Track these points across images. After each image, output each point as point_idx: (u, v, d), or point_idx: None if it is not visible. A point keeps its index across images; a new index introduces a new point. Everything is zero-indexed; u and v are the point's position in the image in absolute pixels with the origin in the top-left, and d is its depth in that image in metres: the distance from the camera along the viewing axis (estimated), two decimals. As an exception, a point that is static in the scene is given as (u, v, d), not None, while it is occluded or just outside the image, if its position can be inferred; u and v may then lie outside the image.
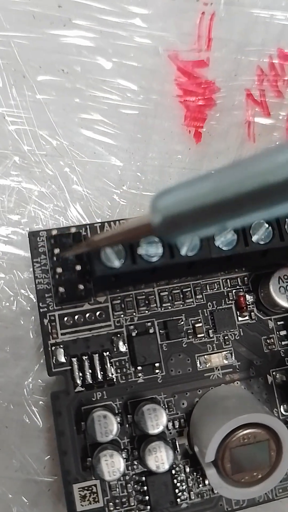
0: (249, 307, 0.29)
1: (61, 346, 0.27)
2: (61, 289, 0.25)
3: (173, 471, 0.27)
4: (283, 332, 0.29)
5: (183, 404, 0.28)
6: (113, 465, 0.24)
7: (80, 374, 0.26)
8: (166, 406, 0.27)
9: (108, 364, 0.27)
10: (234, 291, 0.29)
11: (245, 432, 0.25)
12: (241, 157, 0.17)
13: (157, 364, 0.27)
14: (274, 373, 0.29)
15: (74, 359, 0.27)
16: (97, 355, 0.27)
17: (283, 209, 0.16)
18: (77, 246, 0.26)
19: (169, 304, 0.28)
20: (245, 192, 0.17)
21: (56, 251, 0.25)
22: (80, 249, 0.26)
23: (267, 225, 0.26)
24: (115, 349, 0.27)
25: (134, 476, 0.27)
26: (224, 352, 0.28)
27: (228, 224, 0.18)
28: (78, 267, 0.25)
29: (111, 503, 0.26)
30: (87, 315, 0.27)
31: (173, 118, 0.32)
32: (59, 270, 0.25)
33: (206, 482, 0.27)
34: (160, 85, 0.32)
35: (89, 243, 0.25)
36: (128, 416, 0.27)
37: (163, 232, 0.19)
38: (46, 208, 0.30)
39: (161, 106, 0.32)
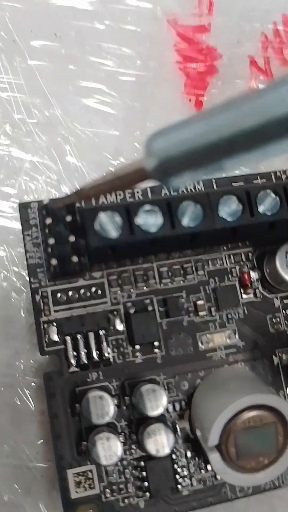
0: (254, 284, 0.27)
1: (54, 323, 0.25)
2: (54, 262, 0.24)
3: (174, 456, 0.25)
4: (289, 310, 0.27)
5: (184, 385, 0.26)
6: (109, 448, 0.23)
7: (75, 353, 0.25)
8: (166, 388, 0.26)
9: (104, 343, 0.25)
10: (237, 267, 0.27)
11: (250, 414, 0.23)
12: (237, 94, 0.16)
13: (156, 344, 0.26)
14: (280, 353, 0.27)
15: (68, 338, 0.25)
16: (92, 333, 0.25)
17: (282, 146, 0.16)
18: (67, 197, 0.24)
19: (168, 280, 0.26)
20: (245, 129, 0.16)
21: (48, 221, 0.24)
22: (71, 199, 0.24)
23: (274, 195, 0.24)
24: (111, 328, 0.26)
25: (132, 461, 0.25)
26: (227, 332, 0.27)
27: (226, 164, 0.17)
28: (72, 238, 0.24)
29: (107, 490, 0.25)
30: (82, 291, 0.26)
31: (173, 85, 0.31)
32: (51, 241, 0.24)
33: (209, 467, 0.26)
34: (158, 51, 0.31)
35: (79, 193, 0.23)
36: (126, 398, 0.25)
37: (158, 176, 0.18)
38: (38, 180, 0.29)
39: (160, 73, 0.31)
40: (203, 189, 0.27)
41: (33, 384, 0.27)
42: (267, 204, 0.24)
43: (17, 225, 0.27)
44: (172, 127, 0.18)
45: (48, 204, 0.24)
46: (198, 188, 0.27)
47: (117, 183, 0.20)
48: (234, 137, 0.16)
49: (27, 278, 0.27)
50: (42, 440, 0.27)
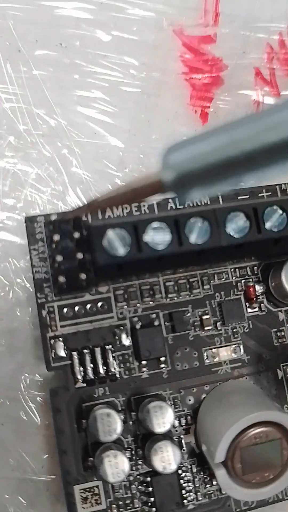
0: (259, 298, 0.27)
1: (61, 339, 0.25)
2: (62, 279, 0.24)
3: (180, 471, 0.25)
4: (294, 325, 0.28)
5: (189, 400, 0.26)
6: (117, 466, 0.23)
7: (81, 369, 0.25)
8: (172, 403, 0.26)
9: (111, 358, 0.25)
10: (243, 281, 0.27)
11: (257, 431, 0.23)
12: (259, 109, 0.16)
13: (162, 359, 0.26)
14: (284, 367, 0.27)
15: (74, 353, 0.25)
16: (99, 348, 0.25)
17: None
18: (78, 209, 0.24)
19: (175, 294, 0.26)
20: (265, 143, 0.16)
21: (56, 237, 0.24)
22: (81, 211, 0.24)
23: (281, 212, 0.24)
24: (118, 343, 0.26)
25: (138, 476, 0.25)
26: (233, 346, 0.27)
27: (245, 178, 0.17)
28: (80, 255, 0.24)
29: (114, 505, 0.25)
30: (88, 306, 0.25)
31: (178, 97, 0.30)
32: (59, 258, 0.24)
33: (214, 482, 0.26)
34: (164, 61, 0.30)
35: (91, 205, 0.23)
36: (132, 413, 0.25)
37: (176, 189, 0.18)
38: (43, 192, 0.28)
39: (165, 84, 0.30)
40: (209, 203, 0.27)
41: (38, 398, 0.27)
42: (274, 221, 0.24)
43: (22, 238, 0.27)
44: (191, 140, 0.17)
45: (57, 219, 0.24)
46: (204, 202, 0.27)
47: (131, 196, 0.20)
48: (254, 152, 0.16)
49: (32, 290, 0.27)
50: (47, 454, 0.27)
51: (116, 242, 0.23)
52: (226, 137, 0.17)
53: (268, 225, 0.24)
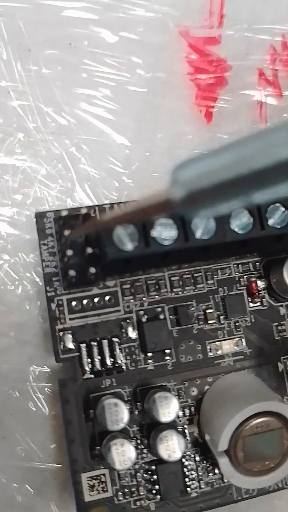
0: (261, 293, 0.28)
1: (69, 331, 0.26)
2: (72, 273, 0.24)
3: (183, 460, 0.26)
4: (295, 319, 0.28)
5: (193, 391, 0.27)
6: (124, 454, 0.24)
7: (89, 360, 0.26)
8: (176, 394, 0.27)
9: (118, 351, 0.26)
10: (245, 276, 0.28)
11: (258, 420, 0.24)
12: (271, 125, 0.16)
13: (167, 351, 0.27)
14: (284, 360, 0.28)
15: (82, 345, 0.26)
16: (106, 341, 0.26)
17: None
18: (85, 226, 0.25)
19: (179, 289, 0.27)
20: (275, 161, 0.15)
21: (66, 232, 0.24)
22: (89, 229, 0.25)
23: (283, 209, 0.25)
24: (124, 335, 0.26)
25: (143, 465, 0.26)
26: (235, 339, 0.28)
27: (256, 197, 0.16)
28: (89, 250, 0.24)
29: (120, 493, 0.26)
30: (96, 299, 0.26)
31: (183, 96, 0.31)
32: (69, 252, 0.24)
33: (216, 471, 0.27)
34: (169, 62, 0.31)
35: (98, 222, 0.24)
36: (138, 403, 0.26)
37: (185, 207, 0.18)
38: (52, 189, 0.29)
39: (170, 84, 0.31)
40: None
41: (46, 389, 0.27)
42: (276, 218, 0.25)
43: (31, 233, 0.28)
44: (199, 157, 0.17)
45: (67, 215, 0.25)
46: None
47: (140, 214, 0.20)
48: (263, 169, 0.16)
49: (41, 284, 0.28)
50: (54, 444, 0.27)
51: (125, 238, 0.23)
52: (234, 155, 0.16)
53: (271, 222, 0.25)
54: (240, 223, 0.25)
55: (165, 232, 0.24)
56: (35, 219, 0.26)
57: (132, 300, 0.27)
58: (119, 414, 0.24)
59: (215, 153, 0.17)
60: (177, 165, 0.17)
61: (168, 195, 0.18)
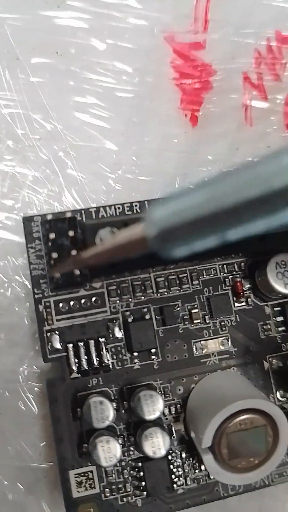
0: (246, 293, 0.29)
1: (57, 332, 0.26)
2: (57, 275, 0.25)
3: (169, 457, 0.27)
4: (279, 318, 0.29)
5: (179, 390, 0.27)
6: (109, 451, 0.24)
7: (76, 360, 0.26)
8: (162, 392, 0.27)
9: (104, 350, 0.27)
10: (230, 276, 0.29)
11: (242, 417, 0.24)
12: (238, 164, 0.16)
13: (153, 350, 0.27)
14: (270, 359, 0.29)
15: (69, 346, 0.26)
16: (93, 341, 0.27)
17: (286, 217, 0.15)
18: (65, 264, 0.25)
19: (165, 290, 0.28)
20: (245, 200, 0.16)
21: (52, 236, 0.25)
22: (68, 267, 0.25)
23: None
24: (111, 335, 0.27)
25: (130, 462, 0.26)
26: (221, 338, 0.28)
27: (229, 235, 0.17)
28: (74, 252, 0.25)
29: (107, 489, 0.26)
30: (83, 301, 0.27)
31: (169, 101, 0.32)
32: (54, 255, 0.25)
33: (202, 467, 0.27)
34: (156, 67, 0.32)
35: (78, 260, 0.24)
36: (124, 402, 0.27)
37: (159, 245, 0.18)
38: (40, 193, 0.30)
39: (157, 89, 0.32)
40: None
41: (36, 389, 0.28)
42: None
43: (20, 237, 0.28)
44: (173, 196, 0.18)
45: (52, 218, 0.26)
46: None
47: (116, 252, 0.20)
48: (233, 208, 0.16)
49: (30, 287, 0.28)
50: (44, 442, 0.28)
51: (108, 239, 0.24)
52: (205, 193, 0.17)
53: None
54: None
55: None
56: (22, 223, 0.27)
57: (118, 301, 0.27)
58: (105, 412, 0.25)
59: (187, 192, 0.17)
60: (153, 205, 0.18)
61: (143, 232, 0.18)
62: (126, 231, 0.20)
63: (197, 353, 0.28)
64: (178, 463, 0.27)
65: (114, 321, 0.27)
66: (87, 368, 0.26)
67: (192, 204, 0.17)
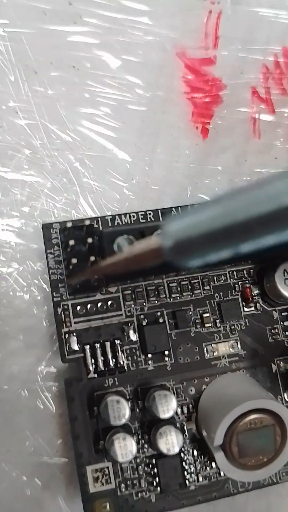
0: (255, 299, 0.30)
1: (74, 334, 0.28)
2: (75, 282, 0.26)
3: (182, 455, 0.28)
4: (287, 323, 0.30)
5: (191, 390, 0.29)
6: (125, 447, 0.25)
7: (93, 361, 0.27)
8: (175, 393, 0.28)
9: (120, 352, 0.28)
10: (240, 283, 0.30)
11: (252, 417, 0.26)
12: (250, 180, 0.17)
13: (166, 352, 0.28)
14: (278, 362, 0.30)
15: (87, 347, 0.28)
16: (108, 343, 0.28)
17: None
18: (83, 273, 0.26)
19: (178, 294, 0.29)
20: (257, 215, 0.16)
21: (71, 242, 0.26)
22: (86, 276, 0.26)
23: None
24: (126, 338, 0.28)
25: (144, 459, 0.28)
26: (231, 341, 0.29)
27: (242, 248, 0.17)
28: (92, 258, 0.26)
29: (122, 485, 0.27)
30: (99, 304, 0.28)
31: (181, 114, 0.33)
32: (74, 261, 0.26)
33: (213, 465, 0.28)
34: (167, 82, 0.33)
35: (95, 270, 0.25)
36: (139, 402, 0.28)
37: (174, 256, 0.19)
38: (57, 201, 0.31)
39: (168, 102, 0.33)
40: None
41: (53, 388, 0.29)
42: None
43: (39, 243, 0.30)
44: (190, 210, 0.19)
45: (71, 226, 0.27)
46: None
47: (133, 262, 0.21)
48: (246, 222, 0.17)
49: (48, 290, 0.29)
50: (61, 440, 0.29)
51: (125, 247, 0.25)
52: (219, 208, 0.18)
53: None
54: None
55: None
56: (42, 230, 0.28)
57: (133, 305, 0.28)
58: (121, 410, 0.26)
59: (203, 206, 0.18)
60: (169, 218, 0.19)
61: (159, 244, 0.19)
62: (142, 243, 0.21)
63: (208, 355, 0.29)
64: (190, 461, 0.28)
65: (129, 324, 0.28)
66: (103, 369, 0.27)
67: (206, 218, 0.18)
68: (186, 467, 0.28)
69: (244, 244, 0.17)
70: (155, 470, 0.27)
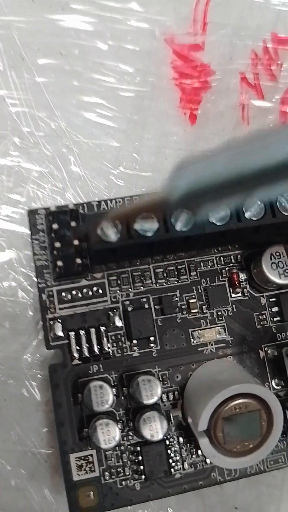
0: (242, 284, 0.30)
1: (59, 320, 0.27)
2: (60, 263, 0.26)
3: (167, 442, 0.27)
4: (275, 309, 0.30)
5: (177, 377, 0.28)
6: (108, 433, 0.25)
7: (77, 347, 0.27)
8: (161, 379, 0.28)
9: (105, 338, 0.27)
10: (227, 268, 0.30)
11: (237, 402, 0.25)
12: (260, 129, 0.16)
13: (152, 338, 0.28)
14: (266, 348, 0.29)
15: (71, 333, 0.27)
16: (93, 329, 0.27)
17: None
18: (101, 219, 0.25)
19: (164, 280, 0.29)
20: (274, 161, 0.16)
21: (54, 226, 0.26)
22: (102, 221, 0.25)
23: (259, 202, 0.27)
24: (111, 324, 0.28)
25: (129, 446, 0.27)
26: (217, 328, 0.29)
27: (255, 195, 0.17)
28: (76, 242, 0.26)
29: (106, 473, 0.27)
30: (84, 290, 0.28)
31: (169, 100, 0.33)
32: (57, 244, 0.26)
33: (199, 452, 0.28)
34: (156, 68, 0.33)
35: (109, 215, 0.25)
36: (124, 388, 0.27)
37: (186, 205, 0.19)
38: (44, 188, 0.31)
39: (157, 88, 0.33)
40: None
41: (39, 376, 0.29)
42: (253, 210, 0.26)
43: (25, 230, 0.30)
44: (200, 156, 0.18)
45: (55, 210, 0.27)
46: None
47: (142, 209, 0.21)
48: (263, 169, 0.16)
49: (34, 278, 0.29)
50: (46, 428, 0.29)
51: (109, 230, 0.25)
52: (233, 155, 0.17)
53: (247, 214, 0.26)
54: (218, 215, 0.26)
55: (146, 224, 0.25)
56: (27, 216, 0.28)
57: (118, 291, 0.28)
58: (104, 396, 0.26)
59: (215, 154, 0.18)
60: (178, 164, 0.18)
61: (168, 194, 0.18)
62: (152, 192, 0.21)
63: (195, 342, 0.29)
64: (175, 448, 0.28)
65: (115, 310, 0.28)
66: (88, 355, 0.27)
67: (219, 165, 0.17)
68: (172, 454, 0.27)
69: (257, 191, 0.17)
70: (140, 457, 0.27)
